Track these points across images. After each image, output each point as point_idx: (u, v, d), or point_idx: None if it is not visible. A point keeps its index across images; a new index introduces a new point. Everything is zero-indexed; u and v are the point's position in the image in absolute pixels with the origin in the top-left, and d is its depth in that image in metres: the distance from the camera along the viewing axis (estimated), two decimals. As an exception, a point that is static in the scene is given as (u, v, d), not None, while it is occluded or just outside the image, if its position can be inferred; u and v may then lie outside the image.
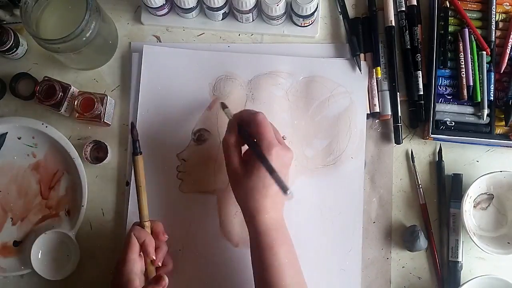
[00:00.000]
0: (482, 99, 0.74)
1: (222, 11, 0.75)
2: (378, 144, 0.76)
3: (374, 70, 0.76)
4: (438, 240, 0.75)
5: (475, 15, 0.77)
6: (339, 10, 0.79)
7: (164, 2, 0.74)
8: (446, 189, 0.76)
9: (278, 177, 0.58)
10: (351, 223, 0.74)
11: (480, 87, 0.74)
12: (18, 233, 0.74)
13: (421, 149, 0.77)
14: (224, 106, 0.70)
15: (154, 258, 0.64)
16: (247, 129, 0.64)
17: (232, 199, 0.73)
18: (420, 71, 0.76)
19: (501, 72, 0.76)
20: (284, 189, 0.58)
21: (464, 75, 0.74)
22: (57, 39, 0.64)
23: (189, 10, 0.75)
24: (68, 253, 0.73)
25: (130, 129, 0.68)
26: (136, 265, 0.63)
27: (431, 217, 0.75)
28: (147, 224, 0.66)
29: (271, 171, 0.59)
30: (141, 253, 0.64)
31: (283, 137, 0.68)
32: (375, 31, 0.78)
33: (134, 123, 0.68)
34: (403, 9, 0.78)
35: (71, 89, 0.73)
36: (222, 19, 0.77)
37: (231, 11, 0.77)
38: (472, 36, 0.76)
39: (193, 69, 0.76)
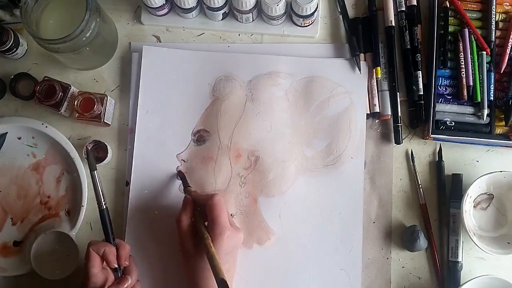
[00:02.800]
0: (482, 99, 0.74)
1: (222, 11, 0.75)
2: (378, 144, 0.77)
3: (374, 70, 0.76)
4: (438, 240, 0.75)
5: (475, 15, 0.77)
6: (339, 10, 0.79)
7: (164, 2, 0.74)
8: (446, 189, 0.76)
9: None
10: (351, 223, 0.74)
11: (480, 87, 0.74)
12: (18, 233, 0.74)
13: (421, 149, 0.77)
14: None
15: (116, 265, 0.65)
16: (200, 211, 0.67)
17: (232, 199, 0.74)
18: (420, 71, 0.76)
19: (501, 72, 0.76)
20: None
21: (464, 75, 0.74)
22: (57, 39, 0.64)
23: (189, 10, 0.75)
24: (68, 253, 0.73)
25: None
26: (99, 279, 0.63)
27: (431, 217, 0.75)
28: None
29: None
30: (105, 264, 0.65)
31: (231, 214, 0.71)
32: (375, 31, 0.78)
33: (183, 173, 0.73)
34: (403, 9, 0.78)
35: (71, 89, 0.73)
36: (222, 19, 0.77)
37: (231, 11, 0.77)
38: (472, 36, 0.76)
39: (193, 69, 0.76)
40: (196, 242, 0.65)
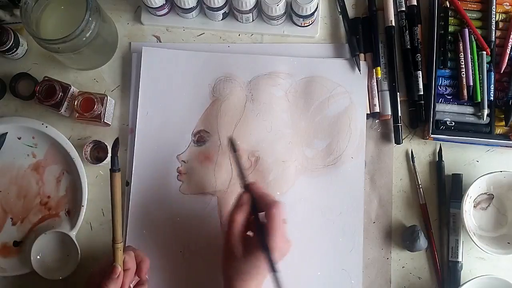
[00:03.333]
0: (482, 99, 0.74)
1: (222, 11, 0.75)
2: (378, 144, 0.77)
3: (374, 70, 0.76)
4: (438, 240, 0.75)
5: (475, 15, 0.77)
6: (339, 10, 0.79)
7: (164, 2, 0.74)
8: (446, 189, 0.76)
9: (277, 277, 0.57)
10: (352, 223, 0.74)
11: (480, 87, 0.74)
12: (18, 233, 0.74)
13: (421, 149, 0.77)
14: (233, 148, 0.65)
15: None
16: (258, 212, 0.61)
17: (232, 200, 0.73)
18: (420, 71, 0.76)
19: (501, 72, 0.76)
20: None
21: (464, 75, 0.74)
22: (57, 39, 0.64)
23: (189, 10, 0.75)
24: (68, 253, 0.73)
25: (113, 144, 0.62)
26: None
27: (431, 217, 0.75)
28: (120, 246, 0.62)
29: (273, 269, 0.58)
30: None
31: (284, 220, 0.64)
32: (375, 31, 0.78)
33: (119, 139, 0.63)
34: (403, 9, 0.78)
35: (71, 89, 0.73)
36: (222, 19, 0.77)
37: (231, 11, 0.77)
38: (472, 36, 0.76)
39: (193, 70, 0.76)
40: (246, 244, 0.61)
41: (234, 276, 0.61)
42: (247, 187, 0.63)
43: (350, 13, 0.79)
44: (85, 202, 0.73)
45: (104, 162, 0.73)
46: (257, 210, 0.62)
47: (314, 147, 0.75)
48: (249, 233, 0.62)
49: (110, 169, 0.61)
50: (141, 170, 0.74)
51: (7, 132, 0.74)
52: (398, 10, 0.78)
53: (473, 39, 0.76)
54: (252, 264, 0.60)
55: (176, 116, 0.75)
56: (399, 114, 0.75)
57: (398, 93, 0.76)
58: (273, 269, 0.58)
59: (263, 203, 0.61)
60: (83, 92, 0.72)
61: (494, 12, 0.76)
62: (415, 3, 0.78)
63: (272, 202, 0.60)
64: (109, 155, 0.74)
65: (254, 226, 0.62)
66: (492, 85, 0.75)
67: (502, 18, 0.77)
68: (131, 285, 0.65)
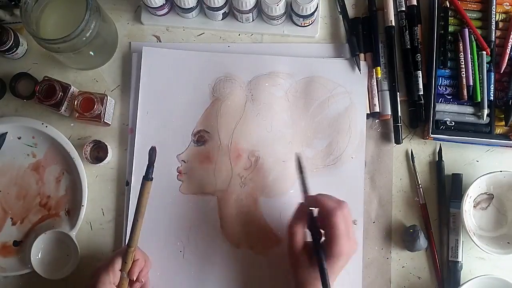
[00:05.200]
0: (482, 99, 0.74)
1: (222, 11, 0.75)
2: (378, 144, 0.77)
3: (374, 70, 0.76)
4: (438, 240, 0.75)
5: (475, 15, 0.77)
6: (339, 10, 0.79)
7: (164, 2, 0.74)
8: (446, 189, 0.76)
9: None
10: (351, 223, 0.74)
11: (480, 87, 0.74)
12: (18, 233, 0.74)
13: (421, 149, 0.77)
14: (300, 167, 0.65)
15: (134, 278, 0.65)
16: (317, 220, 0.61)
17: (232, 200, 0.74)
18: (420, 71, 0.76)
19: (501, 72, 0.76)
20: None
21: (464, 75, 0.74)
22: (57, 39, 0.64)
23: (189, 10, 0.75)
24: (68, 253, 0.73)
25: (150, 152, 0.63)
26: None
27: (431, 217, 0.75)
28: (133, 250, 0.64)
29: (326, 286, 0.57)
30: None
31: (354, 222, 0.64)
32: (375, 31, 0.78)
33: (155, 148, 0.63)
34: (403, 9, 0.78)
35: (71, 89, 0.73)
36: (222, 19, 0.77)
37: (231, 11, 0.77)
38: (472, 36, 0.76)
39: (193, 70, 0.76)
40: (309, 251, 0.61)
41: (305, 282, 0.61)
42: (305, 198, 0.63)
43: (350, 13, 0.79)
44: (85, 202, 0.73)
45: (104, 162, 0.73)
46: (316, 222, 0.61)
47: (314, 147, 0.75)
48: (309, 240, 0.62)
49: (143, 177, 0.63)
50: (141, 170, 0.73)
51: (7, 132, 0.74)
52: (398, 10, 0.78)
53: (473, 39, 0.76)
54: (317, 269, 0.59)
55: (176, 116, 0.75)
56: (399, 114, 0.75)
57: (398, 93, 0.76)
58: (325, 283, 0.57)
59: (321, 210, 0.61)
60: (83, 92, 0.72)
61: (494, 12, 0.76)
62: (415, 3, 0.78)
63: (331, 207, 0.59)
64: (109, 154, 0.74)
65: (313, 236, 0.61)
66: (492, 85, 0.75)
67: (502, 18, 0.77)
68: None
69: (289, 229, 0.62)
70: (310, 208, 0.62)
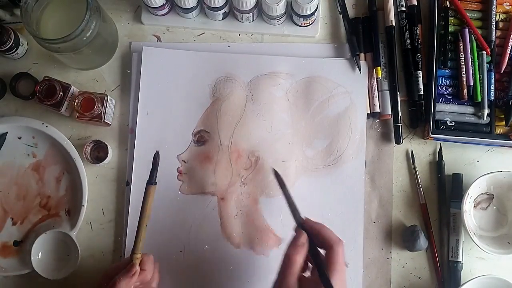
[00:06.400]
0: (482, 99, 0.74)
1: (222, 11, 0.75)
2: (378, 144, 0.77)
3: (374, 70, 0.76)
4: (438, 240, 0.75)
5: (475, 15, 0.77)
6: (339, 10, 0.79)
7: (164, 2, 0.74)
8: (446, 189, 0.76)
9: None
10: (352, 223, 0.74)
11: (480, 87, 0.74)
12: (18, 233, 0.74)
13: (421, 149, 0.77)
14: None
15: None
16: (315, 247, 0.58)
17: (232, 200, 0.73)
18: (420, 71, 0.76)
19: (501, 72, 0.76)
20: None
21: (464, 75, 0.74)
22: (58, 39, 0.64)
23: (189, 10, 0.75)
24: (68, 253, 0.73)
25: (154, 157, 0.62)
26: None
27: (431, 217, 0.75)
28: (139, 255, 0.62)
29: None
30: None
31: (346, 264, 0.61)
32: (375, 31, 0.78)
33: (159, 153, 0.62)
34: (403, 9, 0.78)
35: (71, 89, 0.73)
36: (222, 19, 0.77)
37: (231, 11, 0.77)
38: (472, 36, 0.76)
39: (193, 70, 0.76)
40: (304, 284, 0.57)
41: None
42: (301, 225, 0.60)
43: (350, 13, 0.79)
44: (85, 202, 0.73)
45: (104, 162, 0.73)
46: (316, 250, 0.59)
47: (314, 147, 0.75)
48: (307, 274, 0.59)
49: (147, 182, 0.62)
50: (141, 170, 0.74)
51: (7, 132, 0.74)
52: (398, 10, 0.78)
53: (473, 39, 0.76)
54: None
55: (176, 116, 0.75)
56: (399, 114, 0.75)
57: (398, 93, 0.76)
58: None
59: (322, 240, 0.58)
60: (83, 91, 0.72)
61: (494, 12, 0.76)
62: (415, 3, 0.78)
63: (336, 240, 0.57)
64: (109, 154, 0.74)
65: (313, 266, 0.58)
66: (492, 85, 0.75)
67: (502, 18, 0.77)
68: None
69: (287, 257, 0.58)
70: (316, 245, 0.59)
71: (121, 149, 0.76)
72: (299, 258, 0.57)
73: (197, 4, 0.75)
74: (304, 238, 0.59)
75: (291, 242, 0.59)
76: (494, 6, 0.76)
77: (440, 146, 0.76)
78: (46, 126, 0.74)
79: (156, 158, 0.63)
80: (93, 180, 0.75)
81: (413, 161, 0.76)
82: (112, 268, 0.63)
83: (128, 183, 0.74)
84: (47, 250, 0.72)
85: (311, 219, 0.61)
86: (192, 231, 0.73)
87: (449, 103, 0.76)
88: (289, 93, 0.76)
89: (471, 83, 0.75)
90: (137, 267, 0.62)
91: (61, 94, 0.71)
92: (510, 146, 0.76)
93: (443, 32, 0.76)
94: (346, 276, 0.72)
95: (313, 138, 0.76)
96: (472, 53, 0.75)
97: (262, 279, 0.72)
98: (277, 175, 0.63)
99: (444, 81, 0.76)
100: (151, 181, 0.62)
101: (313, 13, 0.74)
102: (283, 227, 0.73)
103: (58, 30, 0.67)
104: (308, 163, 0.75)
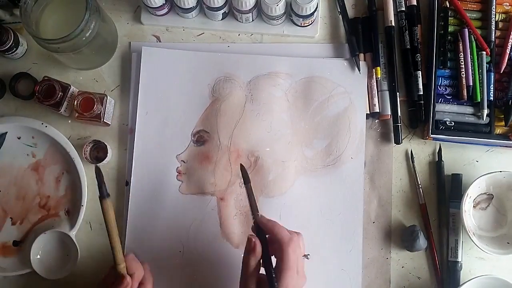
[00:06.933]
0: (482, 99, 0.74)
1: (222, 11, 0.75)
2: (378, 144, 0.77)
3: (374, 70, 0.76)
4: (438, 240, 0.75)
5: (475, 15, 0.77)
6: (339, 10, 0.79)
7: (164, 2, 0.74)
8: (446, 189, 0.76)
9: None
10: (351, 223, 0.74)
11: (480, 87, 0.74)
12: (17, 233, 0.74)
13: (421, 149, 0.77)
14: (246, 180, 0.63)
15: None
16: (267, 248, 0.60)
17: (232, 200, 0.74)
18: (420, 71, 0.76)
19: (501, 72, 0.76)
20: None
21: (464, 75, 0.74)
22: (57, 39, 0.64)
23: (189, 10, 0.75)
24: (68, 253, 0.73)
25: (95, 172, 0.60)
26: None
27: (431, 217, 0.75)
28: (123, 266, 0.61)
29: None
30: None
31: (307, 256, 0.62)
32: (375, 31, 0.78)
33: (99, 168, 0.60)
34: (403, 9, 0.78)
35: (71, 89, 0.73)
36: (222, 19, 0.77)
37: (231, 11, 0.77)
38: (472, 36, 0.76)
39: (192, 70, 0.76)
40: (261, 285, 0.59)
41: None
42: (257, 225, 0.61)
43: (350, 13, 0.79)
44: (84, 202, 0.73)
45: (104, 162, 0.73)
46: (268, 254, 0.60)
47: (314, 147, 0.75)
48: (262, 274, 0.60)
49: (99, 197, 0.59)
50: (141, 170, 0.74)
51: (7, 132, 0.74)
52: (398, 10, 0.78)
53: (473, 39, 0.76)
54: None
55: (176, 116, 0.75)
56: (399, 114, 0.75)
57: (397, 93, 0.76)
58: None
59: (274, 238, 0.59)
60: (83, 91, 0.72)
61: (494, 12, 0.76)
62: (415, 3, 0.78)
63: (285, 239, 0.59)
64: (109, 154, 0.74)
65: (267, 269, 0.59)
66: (492, 85, 0.75)
67: (502, 18, 0.77)
68: None
69: (242, 261, 0.60)
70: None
71: (120, 149, 0.76)
72: (252, 261, 0.59)
73: (196, 4, 0.75)
74: (253, 242, 0.59)
75: (246, 247, 0.60)
76: (494, 6, 0.76)
77: (440, 146, 0.76)
78: (46, 126, 0.74)
79: (98, 173, 0.60)
80: (93, 180, 0.74)
81: (413, 161, 0.76)
82: (106, 278, 0.63)
83: (128, 183, 0.74)
84: (46, 250, 0.73)
85: (266, 217, 0.62)
86: (192, 231, 0.73)
87: (449, 103, 0.76)
88: (288, 93, 0.76)
89: (471, 83, 0.74)
90: (128, 278, 0.61)
91: (61, 94, 0.71)
92: (509, 146, 0.76)
93: (442, 32, 0.76)
94: (345, 276, 0.73)
95: (312, 138, 0.76)
96: (471, 53, 0.75)
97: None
98: (242, 169, 0.63)
99: (444, 81, 0.76)
100: (103, 195, 0.60)
101: (312, 13, 0.74)
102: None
103: (58, 30, 0.67)
104: (307, 163, 0.75)
